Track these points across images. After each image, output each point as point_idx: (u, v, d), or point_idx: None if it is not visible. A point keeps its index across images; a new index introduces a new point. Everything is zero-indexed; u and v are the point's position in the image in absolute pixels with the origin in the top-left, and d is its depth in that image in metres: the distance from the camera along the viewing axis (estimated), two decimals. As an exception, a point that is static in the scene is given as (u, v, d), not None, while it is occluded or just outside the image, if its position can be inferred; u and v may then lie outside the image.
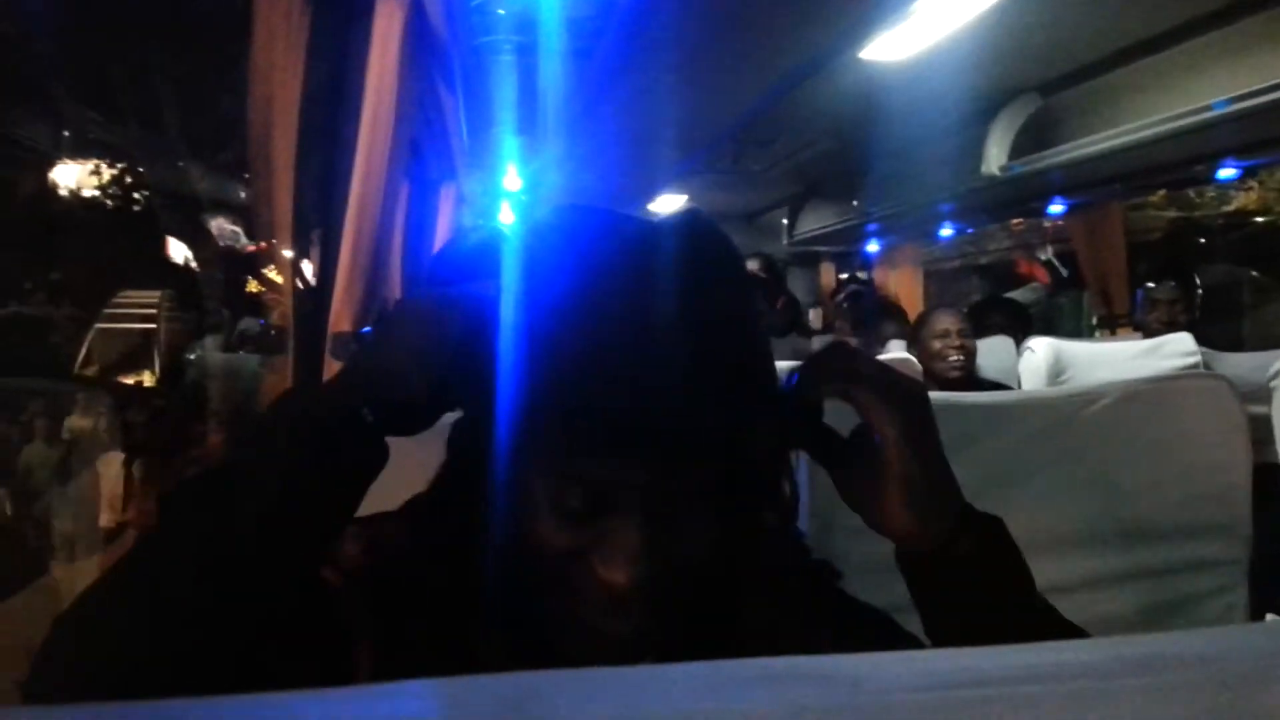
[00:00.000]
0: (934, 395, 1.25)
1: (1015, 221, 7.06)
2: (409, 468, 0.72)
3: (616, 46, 2.71)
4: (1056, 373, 2.97)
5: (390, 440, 0.69)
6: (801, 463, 1.20)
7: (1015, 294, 6.47)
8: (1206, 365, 3.11)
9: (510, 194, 5.00)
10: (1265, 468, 2.35)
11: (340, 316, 1.66)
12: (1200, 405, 1.29)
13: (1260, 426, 2.47)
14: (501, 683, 0.26)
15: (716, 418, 0.63)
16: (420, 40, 1.79)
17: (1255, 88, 2.63)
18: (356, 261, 1.68)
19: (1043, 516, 1.21)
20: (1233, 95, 2.76)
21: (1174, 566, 1.27)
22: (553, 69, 2.66)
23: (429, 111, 2.55)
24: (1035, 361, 2.99)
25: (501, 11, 2.26)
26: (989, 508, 1.19)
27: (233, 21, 1.60)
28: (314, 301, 1.70)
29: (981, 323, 4.66)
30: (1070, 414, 1.25)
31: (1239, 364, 3.06)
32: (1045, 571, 1.20)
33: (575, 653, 0.68)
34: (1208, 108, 2.85)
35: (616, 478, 0.63)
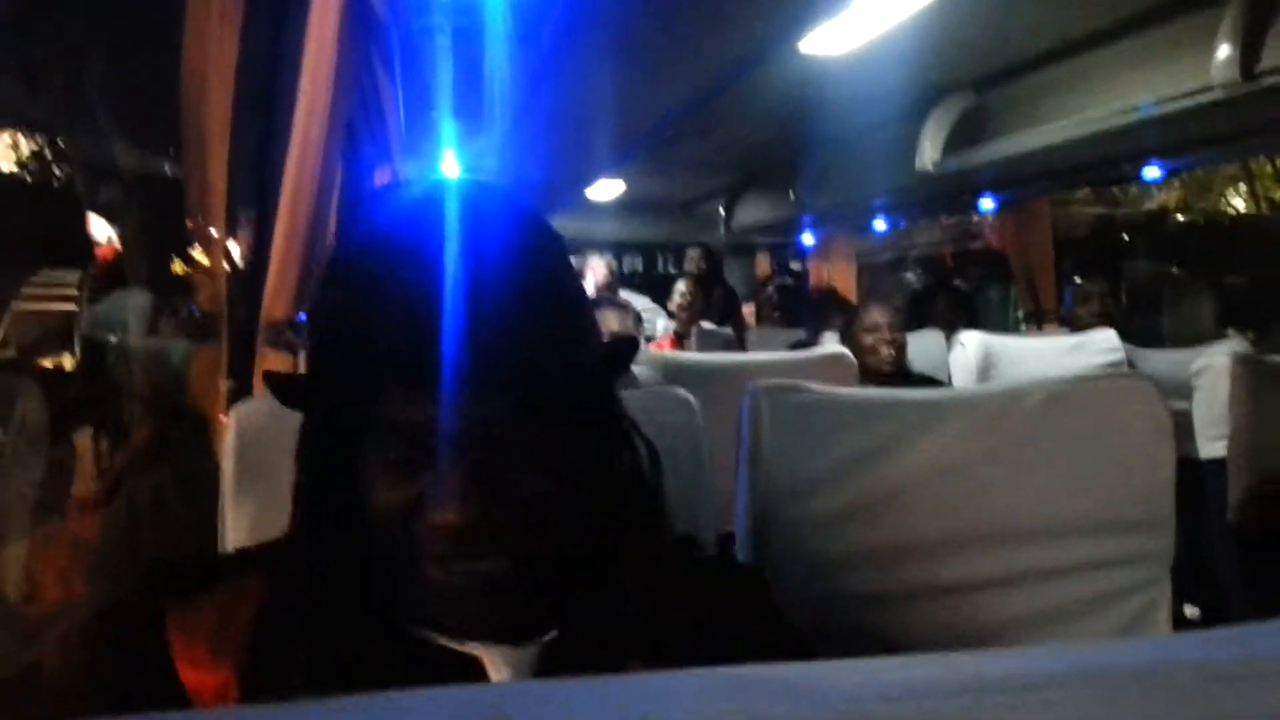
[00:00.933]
0: (865, 392, 1.28)
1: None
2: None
3: (556, 32, 2.69)
4: (986, 368, 3.02)
5: None
6: (742, 463, 1.21)
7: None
8: (1130, 361, 3.20)
9: (446, 179, 4.94)
10: (1185, 462, 2.44)
11: (274, 303, 1.63)
12: (1126, 404, 1.32)
13: (1181, 422, 2.56)
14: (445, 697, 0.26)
15: (511, 355, 0.64)
16: (358, 19, 1.75)
17: (1178, 91, 2.71)
18: (291, 246, 1.64)
19: (972, 513, 1.23)
20: (1159, 98, 2.84)
21: (1101, 562, 1.30)
22: (492, 54, 2.64)
23: (366, 93, 2.51)
24: (965, 356, 3.05)
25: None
26: (919, 505, 1.22)
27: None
28: (246, 286, 1.66)
29: (926, 311, 4.74)
30: (998, 412, 1.27)
31: (1162, 360, 3.15)
32: (975, 567, 1.24)
33: (452, 627, 0.69)
34: (1135, 109, 2.93)
35: (426, 420, 0.64)
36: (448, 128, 3.45)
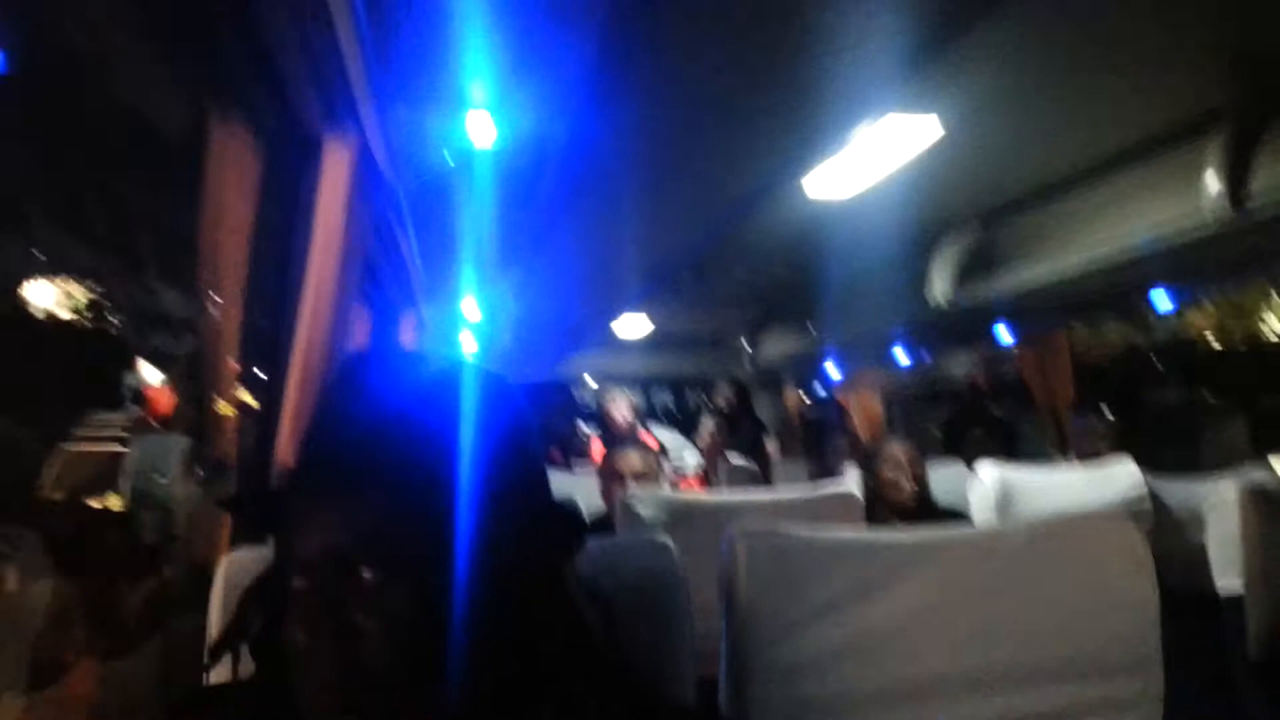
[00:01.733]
0: (845, 535, 1.30)
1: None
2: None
3: (567, 181, 2.82)
4: (1004, 502, 3.00)
5: None
6: (723, 608, 1.23)
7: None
8: (1153, 493, 3.15)
9: (469, 322, 5.09)
10: (1204, 598, 2.39)
11: (287, 451, 1.69)
12: (1107, 544, 1.32)
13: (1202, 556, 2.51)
14: None
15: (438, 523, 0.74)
16: (368, 177, 1.87)
17: (1170, 223, 2.76)
18: (305, 391, 1.72)
19: (953, 657, 1.23)
20: (1153, 229, 2.90)
21: (1088, 707, 1.29)
22: (504, 206, 2.77)
23: (386, 242, 2.63)
24: (983, 490, 3.03)
25: (448, 158, 2.36)
26: (914, 646, 1.22)
27: (195, 152, 1.68)
28: (261, 431, 1.73)
29: (962, 436, 4.72)
30: (978, 554, 1.28)
31: (1185, 491, 3.10)
32: (957, 713, 1.23)
33: None
34: (1134, 240, 2.99)
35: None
36: (468, 275, 3.59)
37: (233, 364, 1.63)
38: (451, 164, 2.41)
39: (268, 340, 1.73)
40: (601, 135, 2.34)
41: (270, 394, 1.70)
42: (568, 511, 0.88)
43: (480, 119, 2.18)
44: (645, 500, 2.21)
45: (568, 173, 2.68)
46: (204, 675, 1.05)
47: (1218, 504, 2.37)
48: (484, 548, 0.76)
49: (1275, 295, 14.17)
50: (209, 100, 1.70)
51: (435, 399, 0.79)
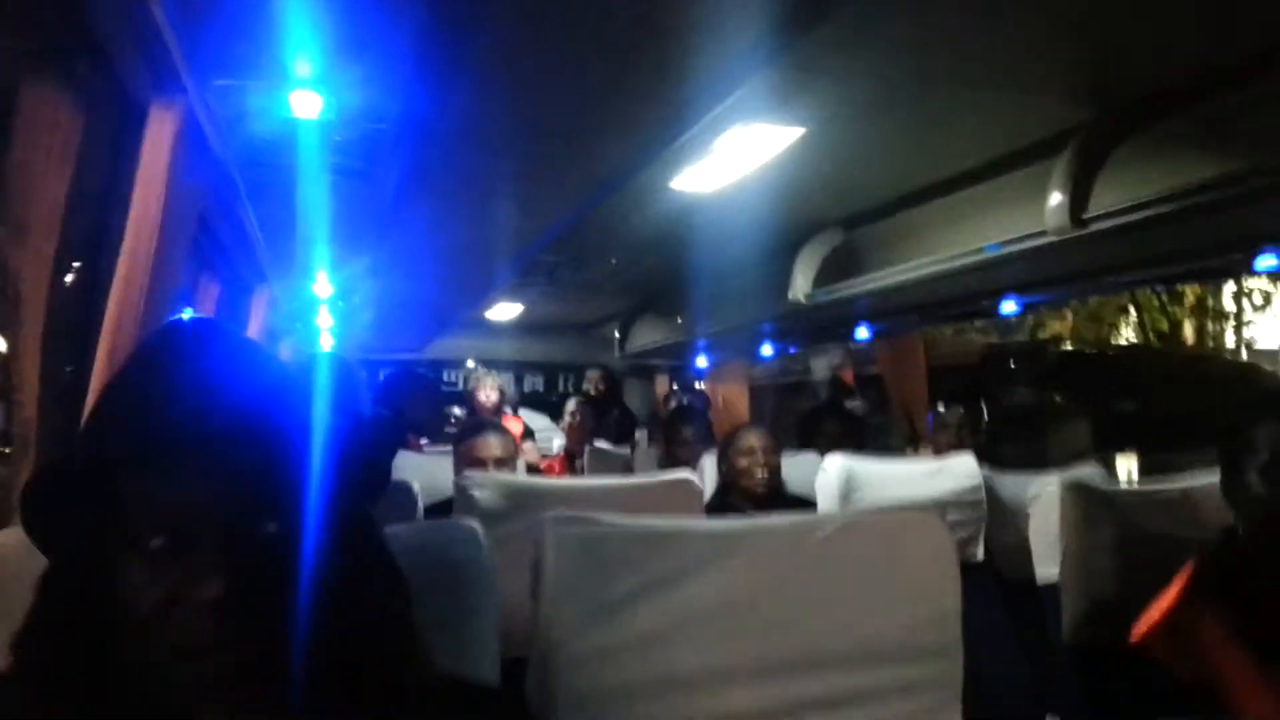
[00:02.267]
0: (656, 523, 1.31)
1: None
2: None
3: (406, 159, 2.75)
4: (848, 491, 3.08)
5: None
6: (536, 593, 1.22)
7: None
8: (989, 484, 3.30)
9: (322, 299, 4.98)
10: (1028, 583, 2.51)
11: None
12: (913, 536, 1.37)
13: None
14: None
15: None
16: (194, 146, 1.79)
17: (1018, 234, 2.88)
18: (113, 364, 1.63)
19: (760, 643, 1.25)
20: (1002, 240, 3.01)
21: (893, 688, 1.33)
22: (344, 181, 2.70)
23: (228, 217, 2.54)
24: (827, 480, 3.10)
25: (277, 131, 2.28)
26: (720, 632, 1.24)
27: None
28: (65, 406, 1.64)
29: (816, 429, 4.82)
30: (789, 543, 1.31)
31: (1019, 484, 3.25)
32: (762, 697, 1.25)
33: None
34: (982, 250, 3.10)
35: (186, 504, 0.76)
36: (319, 252, 3.50)
37: (35, 334, 1.54)
38: (281, 138, 2.33)
39: (79, 310, 1.65)
40: (442, 113, 2.29)
41: (78, 365, 1.62)
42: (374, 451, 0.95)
43: (305, 93, 2.11)
44: (483, 484, 2.18)
45: (410, 152, 2.62)
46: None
47: (1042, 497, 2.48)
48: (314, 495, 0.80)
49: (1131, 307, 15.06)
50: (26, 61, 1.61)
51: (259, 357, 0.86)
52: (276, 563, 0.77)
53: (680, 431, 4.32)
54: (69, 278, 1.72)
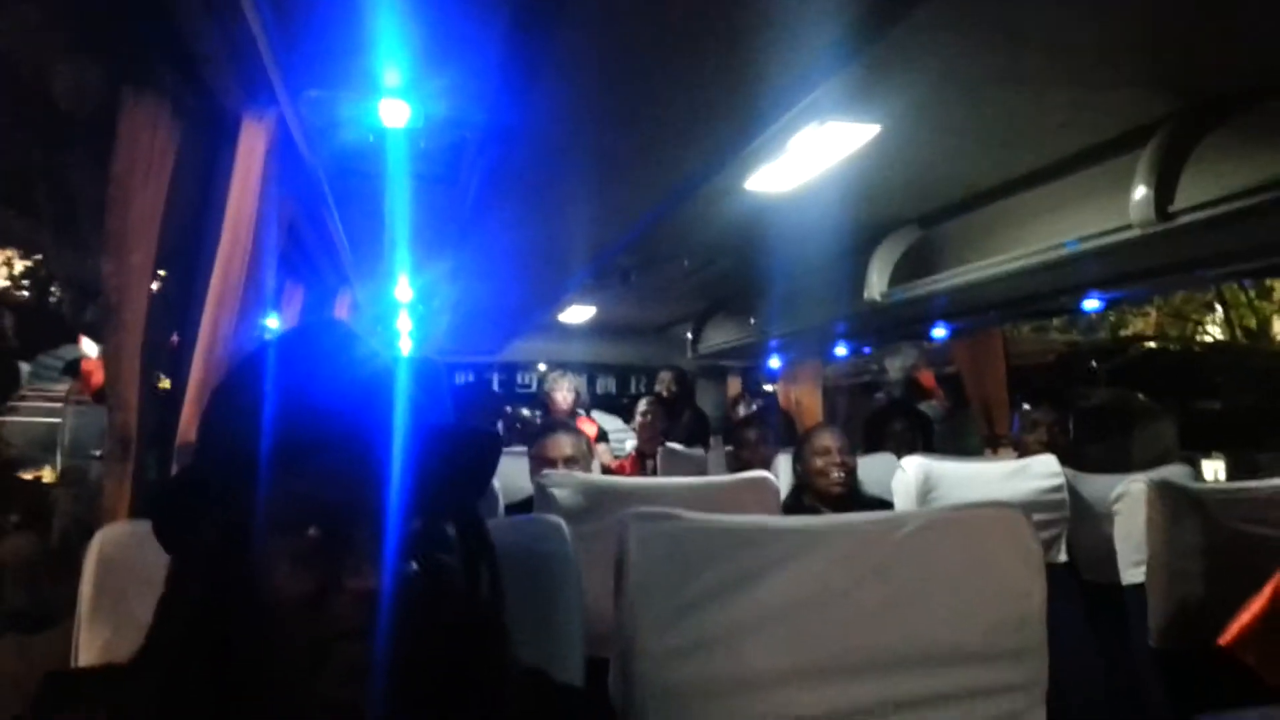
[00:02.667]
0: (738, 520, 1.31)
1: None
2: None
3: (502, 167, 2.81)
4: (926, 491, 3.05)
5: None
6: (617, 591, 1.23)
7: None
8: (1071, 486, 3.23)
9: (402, 304, 5.09)
10: (1110, 587, 2.46)
11: (190, 428, 1.67)
12: (997, 534, 1.35)
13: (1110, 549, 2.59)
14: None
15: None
16: (286, 156, 1.85)
17: (1100, 229, 2.82)
18: (211, 367, 1.70)
19: (840, 642, 1.25)
20: (1084, 235, 2.95)
21: (976, 690, 1.31)
22: (428, 188, 2.75)
23: (315, 223, 2.61)
24: (905, 480, 3.08)
25: (367, 140, 2.35)
26: (800, 630, 1.24)
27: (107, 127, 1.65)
28: (165, 406, 1.71)
29: (883, 430, 4.79)
30: (870, 540, 1.30)
31: (1102, 485, 3.19)
32: (843, 696, 1.25)
33: None
34: (1062, 245, 3.04)
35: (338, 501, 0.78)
36: (401, 256, 3.58)
37: (134, 341, 1.61)
38: (369, 146, 2.39)
39: (175, 317, 1.71)
40: (523, 118, 2.33)
41: (176, 369, 1.68)
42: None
43: (394, 102, 2.16)
44: (561, 483, 2.21)
45: (492, 157, 2.66)
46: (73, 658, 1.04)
47: (1127, 498, 2.43)
48: (443, 493, 0.84)
49: (1218, 305, 14.57)
50: (124, 78, 1.68)
51: (382, 362, 0.87)
52: (416, 557, 0.80)
53: (747, 437, 4.32)
54: (165, 286, 1.79)
